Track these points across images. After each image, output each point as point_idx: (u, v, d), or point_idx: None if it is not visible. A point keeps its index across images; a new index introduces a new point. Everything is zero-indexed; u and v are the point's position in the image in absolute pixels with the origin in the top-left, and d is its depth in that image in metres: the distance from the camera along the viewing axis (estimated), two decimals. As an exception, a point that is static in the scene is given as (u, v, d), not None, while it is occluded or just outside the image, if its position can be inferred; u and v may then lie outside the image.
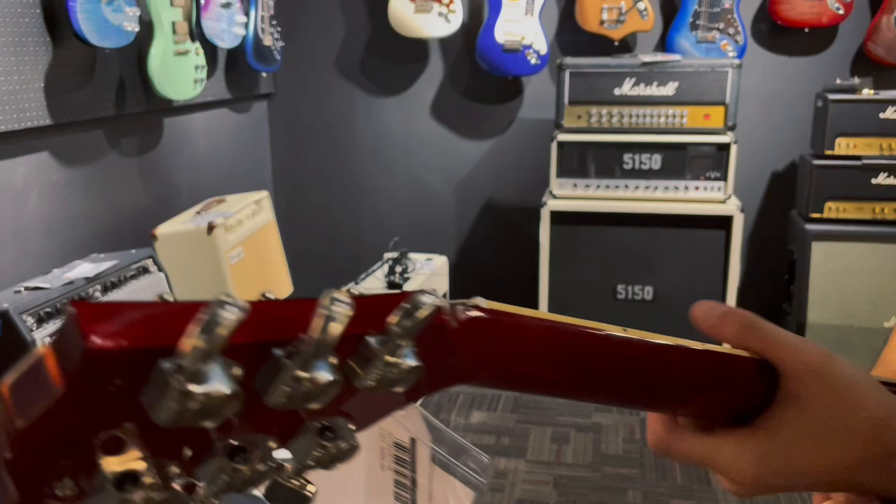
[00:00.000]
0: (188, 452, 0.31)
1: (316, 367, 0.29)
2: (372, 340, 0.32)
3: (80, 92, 2.55)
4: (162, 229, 2.79)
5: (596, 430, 3.11)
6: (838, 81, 3.26)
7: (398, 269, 3.25)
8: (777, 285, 3.57)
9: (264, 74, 3.78)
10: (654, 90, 3.14)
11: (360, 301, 0.32)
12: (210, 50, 3.09)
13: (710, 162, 3.17)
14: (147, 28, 2.65)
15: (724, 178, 3.16)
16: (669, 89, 3.13)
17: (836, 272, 3.18)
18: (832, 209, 3.22)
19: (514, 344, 0.40)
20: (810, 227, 3.22)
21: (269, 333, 0.30)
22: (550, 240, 3.27)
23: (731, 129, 3.13)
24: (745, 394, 0.47)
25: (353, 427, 0.33)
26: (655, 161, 3.20)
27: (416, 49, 3.81)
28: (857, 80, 3.23)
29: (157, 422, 0.27)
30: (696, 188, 3.18)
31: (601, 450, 2.96)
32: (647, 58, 3.17)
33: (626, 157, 3.22)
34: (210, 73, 3.17)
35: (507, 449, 2.98)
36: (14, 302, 1.99)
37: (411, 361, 0.32)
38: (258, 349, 0.30)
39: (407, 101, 3.92)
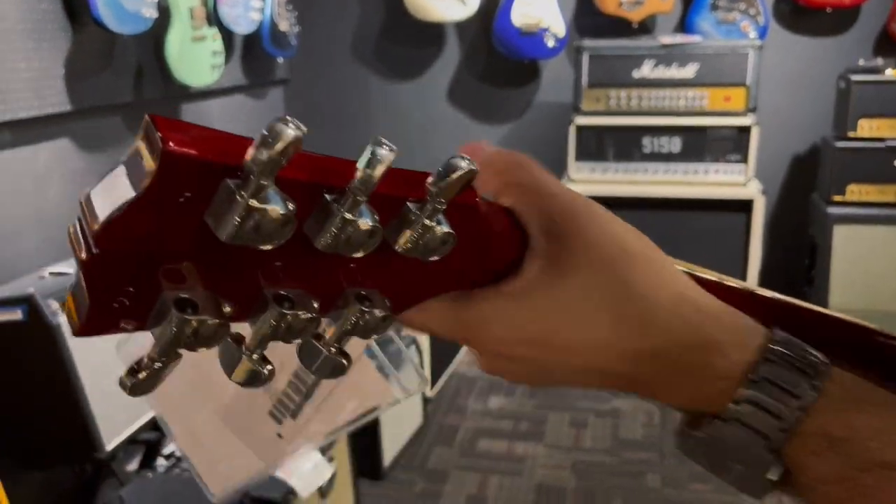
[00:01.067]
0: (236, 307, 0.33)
1: (361, 213, 0.32)
2: (412, 205, 0.34)
3: (99, 78, 2.56)
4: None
5: (614, 414, 3.11)
6: (861, 62, 3.21)
7: (416, 254, 3.24)
8: (798, 269, 3.54)
9: (280, 60, 3.77)
10: (673, 72, 3.11)
11: (404, 172, 0.35)
12: (226, 35, 3.09)
13: (731, 145, 3.14)
14: (165, 14, 2.65)
15: (744, 160, 3.12)
16: (689, 71, 3.09)
17: (858, 256, 3.14)
18: (854, 192, 3.18)
19: None
20: (832, 210, 3.18)
21: (323, 177, 0.32)
22: (568, 224, 3.25)
23: (752, 111, 3.10)
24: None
25: (389, 304, 0.35)
26: (675, 144, 3.17)
27: (432, 33, 3.78)
28: (880, 61, 3.19)
29: (220, 237, 0.29)
30: (717, 171, 3.15)
31: (620, 434, 2.96)
32: (667, 39, 3.13)
33: (645, 140, 3.19)
34: (226, 59, 3.17)
35: (526, 434, 2.98)
36: (39, 287, 2.01)
37: (445, 227, 0.34)
38: (311, 191, 0.32)
39: (423, 86, 3.90)
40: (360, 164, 0.32)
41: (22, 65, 2.24)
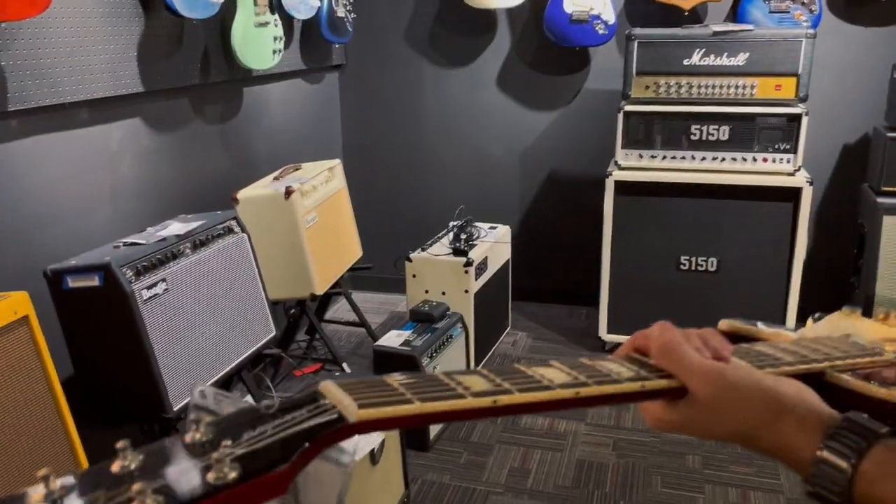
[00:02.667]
0: None
1: None
2: None
3: (169, 61, 2.70)
4: (243, 193, 2.93)
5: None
6: (917, 52, 3.18)
7: (463, 236, 3.33)
8: (845, 259, 3.53)
9: (337, 46, 3.89)
10: (724, 61, 3.13)
11: None
12: (287, 21, 3.20)
13: (780, 133, 3.14)
14: (231, 0, 2.77)
15: (793, 150, 3.13)
16: (740, 60, 3.11)
17: (907, 247, 3.13)
18: (905, 183, 3.16)
19: None
20: (882, 200, 3.17)
21: None
22: (614, 210, 3.30)
23: (803, 100, 3.10)
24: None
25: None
26: (723, 132, 3.19)
27: (485, 20, 3.85)
28: (936, 51, 3.15)
29: None
30: (765, 160, 3.17)
31: (661, 416, 3.01)
32: (718, 28, 3.15)
33: (694, 128, 3.21)
34: (286, 45, 3.29)
35: (568, 413, 3.06)
36: (114, 256, 2.16)
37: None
38: None
39: (474, 73, 3.97)
40: None
41: (99, 48, 2.39)
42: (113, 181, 2.54)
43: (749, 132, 3.17)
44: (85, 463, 1.94)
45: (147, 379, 2.18)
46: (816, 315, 0.86)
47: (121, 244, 2.29)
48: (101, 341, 2.20)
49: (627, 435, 2.89)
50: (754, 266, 3.21)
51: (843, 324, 0.82)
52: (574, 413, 3.04)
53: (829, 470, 0.54)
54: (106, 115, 2.49)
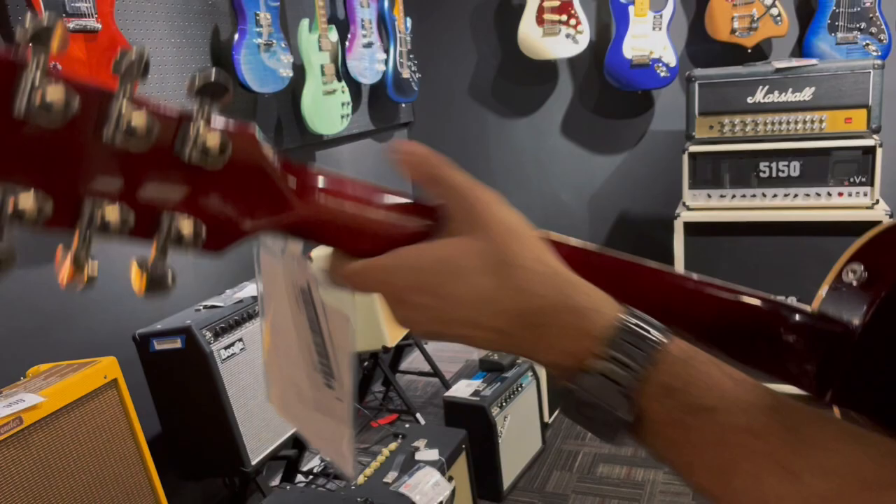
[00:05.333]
0: None
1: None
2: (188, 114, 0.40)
3: (244, 133, 2.88)
4: (317, 252, 3.07)
5: (738, 443, 3.06)
6: None
7: (533, 283, 3.36)
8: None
9: (404, 105, 4.04)
10: (789, 96, 3.08)
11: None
12: (354, 87, 3.37)
13: (855, 166, 3.05)
14: (299, 72, 2.95)
15: (870, 182, 3.03)
16: (806, 94, 3.05)
17: None
18: None
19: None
20: (972, 230, 3.01)
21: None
22: (685, 251, 3.26)
23: (876, 131, 3.01)
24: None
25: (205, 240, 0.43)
26: (794, 168, 3.12)
27: (546, 70, 3.93)
28: None
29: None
30: (840, 194, 3.07)
31: (743, 463, 2.92)
32: (782, 64, 3.11)
33: (763, 165, 3.16)
34: (354, 108, 3.45)
35: (645, 461, 3.00)
36: (195, 319, 2.31)
37: (215, 139, 0.40)
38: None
39: (538, 121, 4.04)
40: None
41: (181, 125, 2.58)
42: (195, 247, 2.71)
43: (822, 166, 3.09)
44: (169, 517, 2.06)
45: (226, 434, 2.30)
46: None
47: (201, 307, 2.45)
48: (185, 400, 2.34)
49: (707, 483, 2.80)
50: (836, 304, 3.09)
51: None
52: (652, 461, 2.98)
53: (605, 382, 0.44)
54: (188, 187, 2.67)
